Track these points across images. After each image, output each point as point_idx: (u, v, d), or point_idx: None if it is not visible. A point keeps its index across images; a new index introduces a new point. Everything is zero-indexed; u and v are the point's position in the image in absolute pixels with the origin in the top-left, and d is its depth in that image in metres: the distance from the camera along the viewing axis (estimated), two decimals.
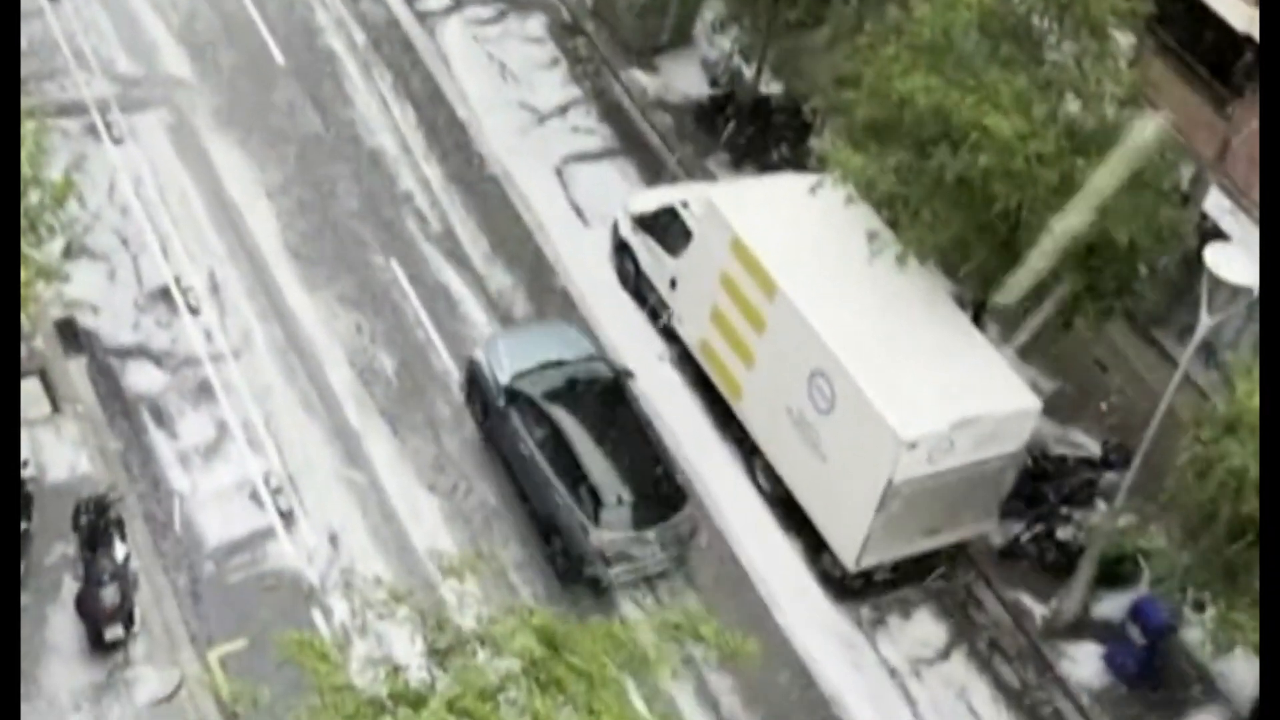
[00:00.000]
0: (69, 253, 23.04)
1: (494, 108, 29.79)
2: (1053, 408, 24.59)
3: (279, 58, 29.92)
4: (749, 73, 29.34)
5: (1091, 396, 26.03)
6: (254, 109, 28.95)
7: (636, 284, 26.45)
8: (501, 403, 23.03)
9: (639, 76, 30.67)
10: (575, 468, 21.95)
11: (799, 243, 23.53)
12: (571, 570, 22.10)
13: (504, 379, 23.20)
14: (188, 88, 29.09)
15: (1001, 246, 22.30)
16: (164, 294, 25.39)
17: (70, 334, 24.20)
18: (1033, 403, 22.16)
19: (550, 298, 26.54)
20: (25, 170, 20.13)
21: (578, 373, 23.40)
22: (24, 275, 22.46)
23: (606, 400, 23.10)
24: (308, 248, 26.61)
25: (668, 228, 25.70)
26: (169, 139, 28.09)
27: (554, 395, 22.91)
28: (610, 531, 21.68)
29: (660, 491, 22.28)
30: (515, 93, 30.22)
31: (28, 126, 20.29)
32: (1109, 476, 24.12)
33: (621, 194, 27.83)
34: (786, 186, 24.73)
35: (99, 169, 26.83)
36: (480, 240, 27.27)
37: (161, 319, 24.99)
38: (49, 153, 20.35)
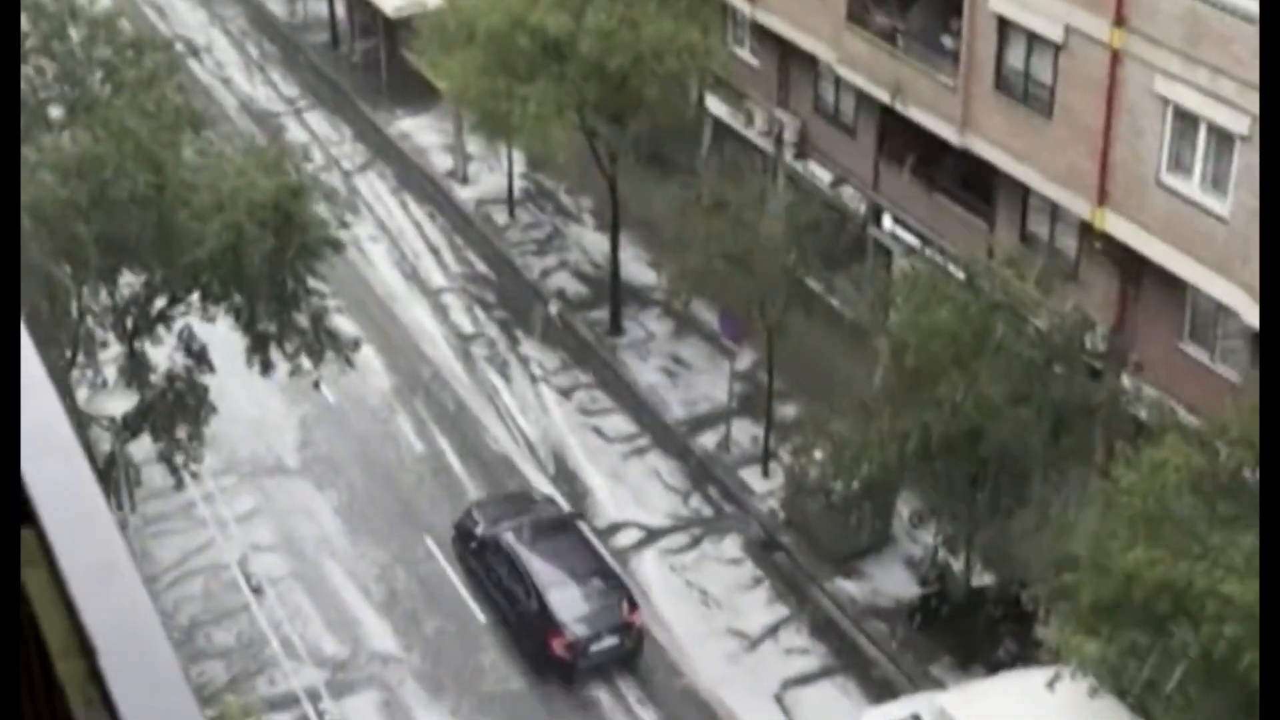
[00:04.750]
0: None
1: (700, 638, 29.58)
2: None
3: (480, 616, 30.26)
4: (958, 565, 28.93)
5: None
6: (462, 674, 29.09)
7: None
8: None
9: (845, 585, 30.41)
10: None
11: None
12: None
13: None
14: (395, 662, 29.42)
15: None
16: None
17: None
18: None
19: None
20: None
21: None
22: None
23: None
24: None
25: None
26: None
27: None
28: None
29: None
30: (720, 619, 30.06)
31: None
32: None
33: (848, 715, 27.14)
34: (1021, 684, 24.00)
35: None
36: None
37: None
38: None
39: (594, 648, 28.38)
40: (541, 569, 29.16)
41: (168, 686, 1.59)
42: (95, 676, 1.60)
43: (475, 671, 29.19)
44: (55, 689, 1.82)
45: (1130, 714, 22.19)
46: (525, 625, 28.96)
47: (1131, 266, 27.88)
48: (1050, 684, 22.71)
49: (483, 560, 30.16)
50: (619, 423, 35.19)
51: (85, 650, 1.64)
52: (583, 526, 30.99)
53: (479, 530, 30.42)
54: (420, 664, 29.36)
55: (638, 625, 28.80)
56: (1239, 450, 22.35)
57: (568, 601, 28.59)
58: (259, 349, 30.25)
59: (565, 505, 32.26)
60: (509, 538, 29.78)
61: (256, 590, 30.94)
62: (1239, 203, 25.10)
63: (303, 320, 30.38)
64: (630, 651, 28.76)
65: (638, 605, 29.02)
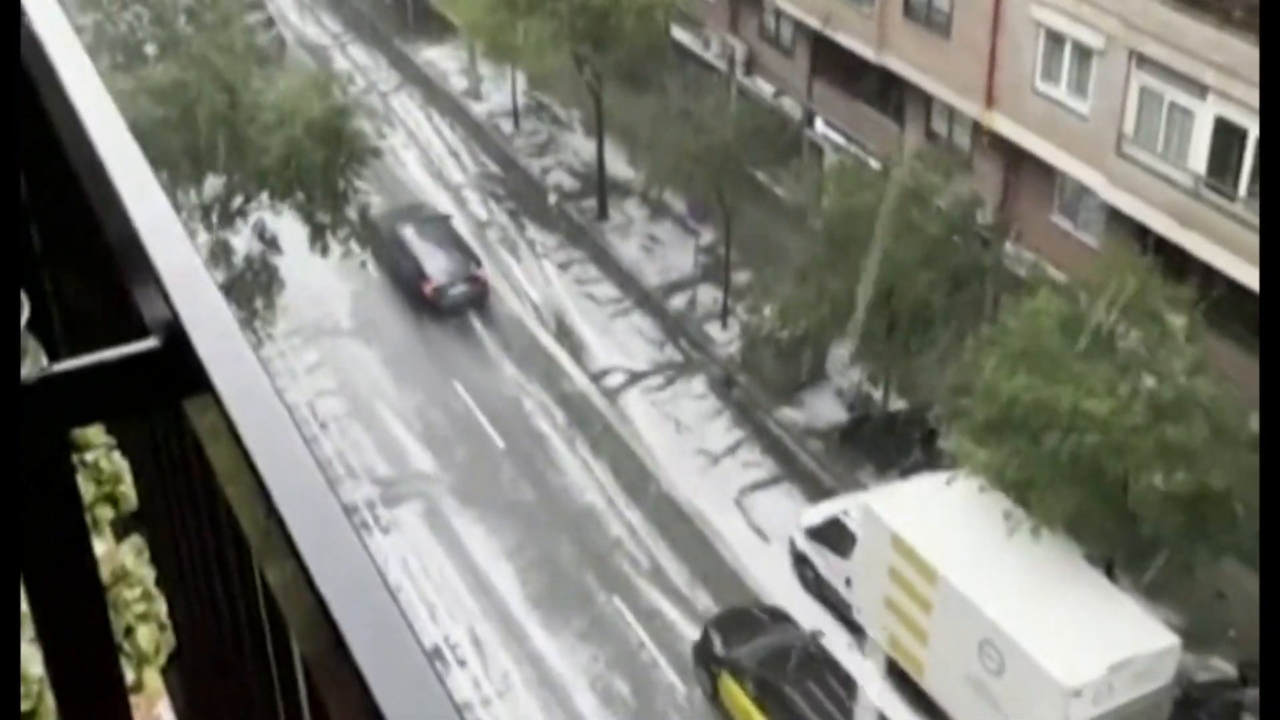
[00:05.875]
0: None
1: (676, 457, 30.27)
2: (1190, 640, 23.50)
3: (499, 443, 30.89)
4: (878, 395, 29.59)
5: (1220, 625, 24.83)
6: (486, 488, 29.76)
7: (818, 587, 26.24)
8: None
9: (789, 412, 31.04)
10: None
11: (948, 531, 23.31)
12: None
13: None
14: (433, 480, 30.09)
15: (1119, 508, 21.86)
16: (436, 653, 25.74)
17: None
18: (1172, 640, 21.34)
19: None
20: None
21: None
22: None
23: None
24: (545, 597, 26.93)
25: (837, 536, 25.65)
26: (424, 523, 28.93)
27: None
28: None
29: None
30: (691, 441, 30.74)
31: None
32: (1251, 694, 22.83)
33: (792, 513, 27.86)
34: (928, 485, 24.64)
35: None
36: (683, 570, 27.36)
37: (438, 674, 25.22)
38: None
39: (451, 291, 33.97)
40: (418, 244, 34.50)
41: (338, 528, 1.57)
42: (274, 514, 1.60)
43: (494, 484, 29.85)
44: (236, 529, 1.85)
45: (1011, 505, 22.90)
46: (407, 280, 34.16)
47: (1013, 156, 28.25)
48: (949, 484, 23.42)
49: (385, 247, 34.18)
50: (607, 289, 35.58)
51: (262, 492, 1.62)
52: (452, 223, 36.48)
53: (381, 226, 34.55)
54: (454, 481, 30.02)
55: (483, 279, 34.59)
56: (1096, 298, 22.93)
57: (434, 262, 34.03)
58: (318, 236, 30.51)
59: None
60: (401, 229, 34.79)
61: (323, 426, 31.50)
62: (1097, 104, 25.44)
63: (352, 213, 30.62)
64: (478, 296, 34.33)
65: (482, 264, 34.88)
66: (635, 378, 32.77)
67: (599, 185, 37.98)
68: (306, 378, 32.91)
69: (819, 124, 34.43)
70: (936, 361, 26.80)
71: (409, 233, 34.97)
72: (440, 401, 32.18)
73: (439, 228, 35.87)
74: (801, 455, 30.13)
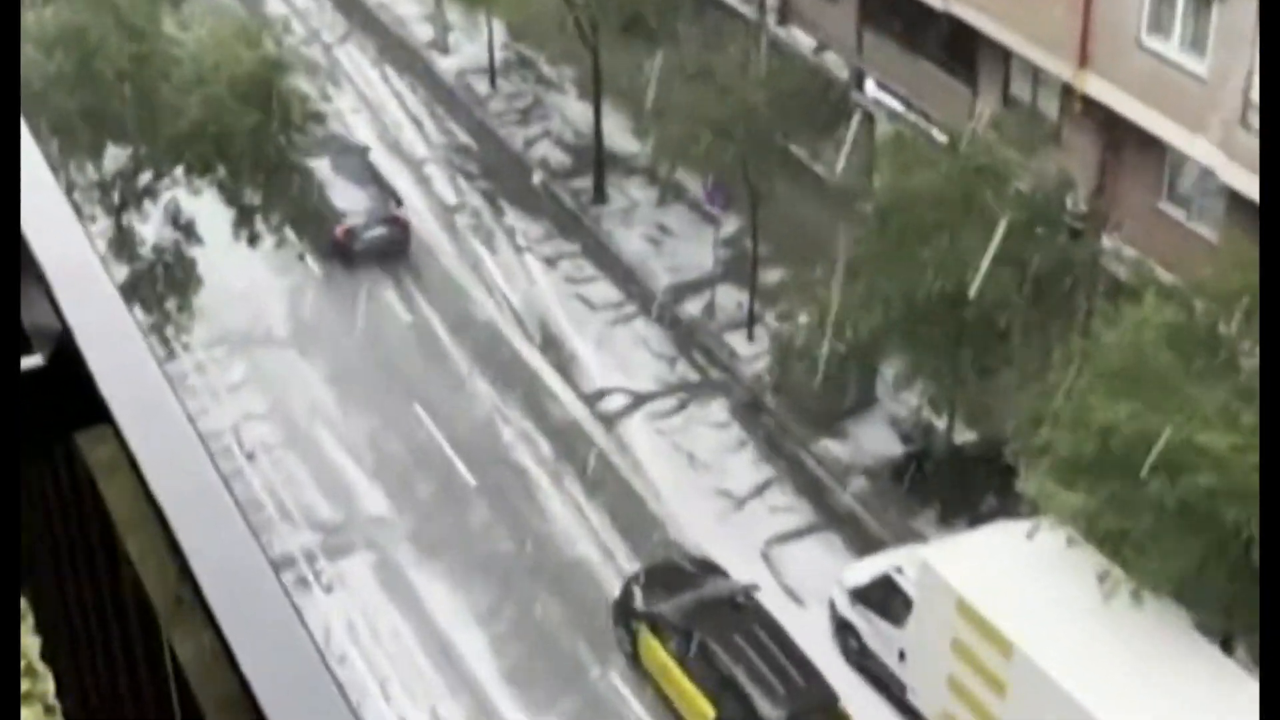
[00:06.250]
0: None
1: (688, 498, 30.34)
2: None
3: (470, 480, 30.96)
4: (940, 424, 29.63)
5: None
6: (452, 536, 29.83)
7: (863, 661, 26.28)
8: None
9: (830, 445, 31.11)
10: None
11: (1027, 594, 23.36)
12: None
13: None
14: (387, 524, 30.16)
15: (1240, 568, 21.84)
16: None
17: None
18: None
19: None
20: None
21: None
22: None
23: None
24: (524, 670, 26.98)
25: (887, 598, 25.74)
26: (375, 579, 29.00)
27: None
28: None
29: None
30: (708, 480, 30.80)
31: None
32: None
33: (833, 569, 27.92)
34: (1002, 536, 24.72)
35: (313, 620, 27.66)
36: None
37: None
38: None
39: (366, 234, 35.70)
40: (329, 178, 34.48)
41: (264, 588, 1.64)
42: (186, 574, 1.65)
43: (463, 531, 29.91)
44: (140, 591, 1.88)
45: (1106, 562, 22.93)
46: (317, 222, 33.49)
47: (1112, 128, 28.29)
48: (1029, 535, 23.45)
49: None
50: (605, 290, 35.69)
51: (172, 546, 1.66)
52: (370, 158, 38.09)
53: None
54: (413, 526, 30.06)
55: (403, 220, 36.38)
56: (1215, 306, 22.99)
57: (347, 200, 35.16)
58: (245, 221, 30.59)
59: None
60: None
61: (250, 456, 31.58)
62: (1218, 62, 25.49)
63: (290, 192, 30.71)
64: (397, 240, 36.07)
65: (402, 203, 36.80)
66: (639, 400, 32.84)
67: (595, 161, 38.08)
68: (230, 398, 33.00)
69: (870, 86, 34.49)
70: (1014, 383, 26.84)
71: (320, 166, 35.53)
72: (397, 427, 32.27)
73: (352, 160, 37.06)
74: (844, 498, 30.19)
